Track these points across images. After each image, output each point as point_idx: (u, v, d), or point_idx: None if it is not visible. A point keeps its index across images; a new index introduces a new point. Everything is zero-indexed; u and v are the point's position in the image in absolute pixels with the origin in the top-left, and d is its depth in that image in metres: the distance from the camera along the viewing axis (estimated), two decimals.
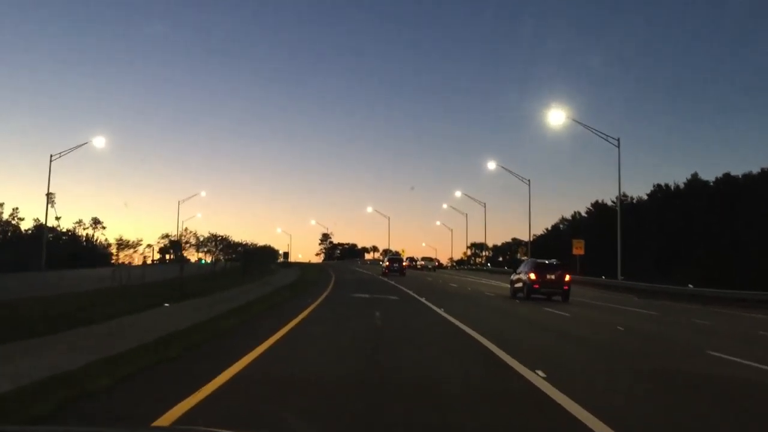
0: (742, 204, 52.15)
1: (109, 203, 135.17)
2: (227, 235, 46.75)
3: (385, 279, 42.74)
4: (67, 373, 6.58)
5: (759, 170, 57.53)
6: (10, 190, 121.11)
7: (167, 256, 71.82)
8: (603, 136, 42.60)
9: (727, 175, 61.04)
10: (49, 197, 48.04)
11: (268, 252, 61.66)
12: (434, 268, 74.06)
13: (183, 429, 5.12)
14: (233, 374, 7.16)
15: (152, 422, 5.01)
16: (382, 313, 16.22)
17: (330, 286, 30.13)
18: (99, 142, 48.24)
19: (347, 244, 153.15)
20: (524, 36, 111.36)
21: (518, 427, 5.62)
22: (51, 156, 45.95)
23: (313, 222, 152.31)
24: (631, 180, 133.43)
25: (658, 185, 68.79)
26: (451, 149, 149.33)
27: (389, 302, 20.93)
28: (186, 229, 26.53)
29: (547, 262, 26.54)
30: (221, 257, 48.07)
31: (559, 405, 6.11)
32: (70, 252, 62.56)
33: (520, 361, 8.59)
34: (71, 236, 79.74)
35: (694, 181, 64.44)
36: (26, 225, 70.75)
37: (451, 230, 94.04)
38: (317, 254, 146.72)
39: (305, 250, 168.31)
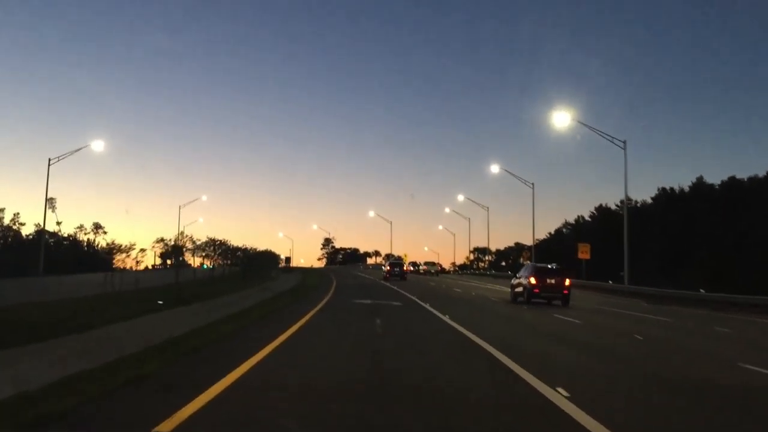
0: (747, 207, 51.51)
1: (110, 208, 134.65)
2: (226, 239, 46.11)
3: (387, 284, 42.03)
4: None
5: (765, 173, 56.91)
6: (11, 196, 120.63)
7: (168, 261, 71.30)
8: (609, 138, 41.95)
9: (732, 179, 60.37)
10: (50, 202, 47.62)
11: (269, 257, 61.03)
12: (437, 273, 73.32)
13: None
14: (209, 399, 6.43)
15: None
16: (383, 320, 15.43)
17: (331, 292, 29.38)
18: (98, 145, 47.75)
19: (349, 248, 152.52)
20: (527, 38, 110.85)
21: None
22: (49, 160, 45.48)
23: (315, 227, 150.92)
24: (636, 184, 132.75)
25: (663, 189, 68.20)
26: (454, 153, 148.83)
27: (392, 308, 20.16)
28: (182, 233, 26.03)
29: (548, 266, 26.56)
30: (221, 262, 47.43)
31: None
32: (70, 257, 62.22)
33: (538, 377, 7.80)
34: (72, 241, 79.38)
35: (699, 185, 63.75)
36: (28, 230, 70.32)
37: (454, 235, 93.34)
38: (319, 259, 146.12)
39: (307, 255, 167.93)
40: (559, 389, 7.09)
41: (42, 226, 50.51)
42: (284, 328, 12.51)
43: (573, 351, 11.38)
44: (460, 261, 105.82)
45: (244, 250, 48.08)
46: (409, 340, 11.96)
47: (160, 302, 15.63)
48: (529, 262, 46.66)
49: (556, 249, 68.97)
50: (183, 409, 5.60)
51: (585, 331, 15.45)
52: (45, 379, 6.48)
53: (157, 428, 4.97)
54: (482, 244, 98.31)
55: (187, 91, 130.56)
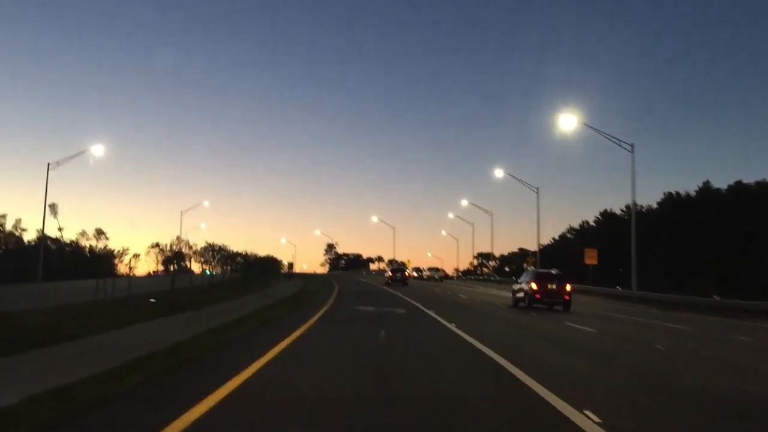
0: (754, 212, 50.76)
1: (113, 213, 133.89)
2: (225, 244, 45.19)
3: (390, 290, 41.22)
4: None
5: None
6: (14, 202, 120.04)
7: (171, 267, 70.51)
8: (616, 141, 41.18)
9: (739, 183, 59.53)
10: (52, 208, 47.02)
11: (270, 262, 60.18)
12: (441, 279, 72.49)
13: None
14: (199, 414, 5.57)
15: None
16: (387, 330, 14.51)
17: (332, 298, 28.50)
18: (98, 150, 47.36)
19: (352, 254, 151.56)
20: (533, 42, 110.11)
21: None
22: (48, 165, 44.84)
23: (317, 232, 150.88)
24: (641, 188, 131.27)
25: (669, 193, 67.40)
26: (458, 158, 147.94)
27: (395, 317, 19.24)
28: (178, 238, 25.31)
29: (551, 271, 27.17)
30: (220, 268, 46.62)
31: None
32: (72, 263, 61.69)
33: (561, 396, 6.88)
34: (74, 247, 78.81)
35: (706, 189, 62.93)
36: (30, 236, 69.82)
37: (457, 240, 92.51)
38: (322, 265, 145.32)
39: (310, 261, 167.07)
40: (587, 412, 6.22)
41: (42, 231, 49.82)
42: (280, 339, 11.61)
43: (594, 364, 10.46)
44: (463, 267, 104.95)
45: (245, 256, 47.24)
46: (416, 355, 10.98)
47: (152, 300, 14.70)
48: (532, 267, 46.28)
49: (560, 254, 68.16)
50: None
51: (602, 342, 14.54)
52: None
53: None
54: (486, 249, 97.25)
55: (189, 96, 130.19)
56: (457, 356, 10.94)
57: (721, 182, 69.71)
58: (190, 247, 39.40)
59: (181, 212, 70.22)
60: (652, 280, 44.78)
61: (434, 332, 14.90)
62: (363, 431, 5.56)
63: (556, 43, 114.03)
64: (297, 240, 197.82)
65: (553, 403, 6.70)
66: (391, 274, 53.80)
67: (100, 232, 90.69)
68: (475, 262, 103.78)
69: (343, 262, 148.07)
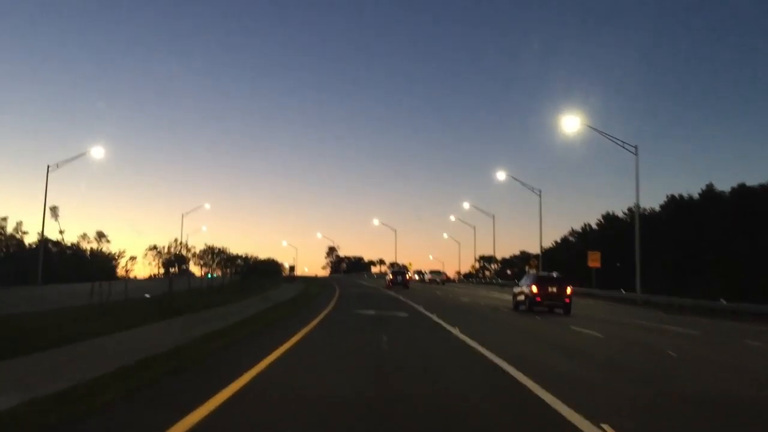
0: (757, 215, 50.31)
1: (115, 216, 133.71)
2: (225, 247, 44.80)
3: (391, 293, 40.77)
4: None
5: None
6: (16, 205, 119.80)
7: (172, 270, 70.28)
8: (620, 143, 40.84)
9: (742, 186, 59.05)
10: (53, 211, 46.70)
11: (271, 265, 59.84)
12: (443, 282, 72.01)
13: None
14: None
15: None
16: (389, 336, 14.02)
17: (333, 302, 28.02)
18: (97, 152, 47.02)
19: (354, 257, 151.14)
20: (535, 44, 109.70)
21: None
22: (48, 167, 44.50)
23: (319, 235, 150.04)
24: (643, 191, 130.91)
25: (672, 196, 66.97)
26: (460, 160, 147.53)
27: (397, 321, 18.73)
28: (176, 240, 24.84)
29: (549, 275, 27.42)
30: (220, 271, 46.25)
31: None
32: (72, 266, 61.43)
33: (576, 409, 6.42)
34: (75, 250, 78.62)
35: (709, 192, 62.47)
36: (31, 239, 69.60)
37: (459, 243, 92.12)
38: (323, 267, 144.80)
39: (311, 264, 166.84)
40: (604, 426, 5.78)
41: (42, 234, 49.51)
42: (277, 345, 11.10)
43: (606, 373, 9.92)
44: (465, 269, 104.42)
45: (245, 259, 46.84)
46: (420, 361, 10.51)
47: (147, 295, 14.18)
48: (534, 271, 46.28)
49: (562, 258, 67.65)
50: None
51: (612, 348, 14.04)
52: None
53: None
54: (487, 252, 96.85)
55: (191, 98, 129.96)
56: (465, 366, 10.47)
57: (724, 185, 69.26)
58: (188, 250, 38.95)
59: (182, 215, 69.85)
60: (654, 282, 44.36)
61: (440, 337, 14.43)
62: None
63: (559, 46, 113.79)
64: (298, 243, 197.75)
65: (566, 416, 6.23)
66: (392, 277, 54.02)
67: (101, 235, 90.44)
68: (477, 265, 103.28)
69: (345, 265, 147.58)
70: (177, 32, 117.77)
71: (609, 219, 74.08)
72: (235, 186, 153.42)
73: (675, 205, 65.24)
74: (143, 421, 5.64)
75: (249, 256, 50.36)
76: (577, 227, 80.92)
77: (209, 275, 46.70)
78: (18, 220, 77.96)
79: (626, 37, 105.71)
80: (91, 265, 68.05)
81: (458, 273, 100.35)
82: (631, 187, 41.88)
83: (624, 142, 40.82)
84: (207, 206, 77.23)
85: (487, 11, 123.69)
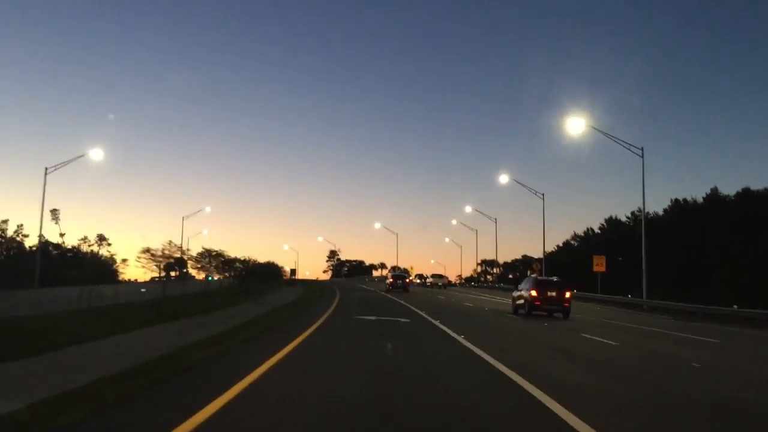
0: (762, 218, 49.73)
1: (116, 219, 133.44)
2: (223, 250, 43.93)
3: (392, 297, 40.14)
4: None
5: None
6: (16, 207, 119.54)
7: (172, 273, 69.67)
8: (626, 145, 40.32)
9: (746, 190, 58.47)
10: (54, 213, 46.16)
11: (271, 269, 59.21)
12: (445, 286, 71.33)
13: None
14: None
15: None
16: (393, 343, 13.34)
17: (332, 307, 27.35)
18: (96, 154, 46.53)
19: (355, 261, 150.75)
20: (540, 47, 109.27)
21: None
22: (46, 169, 43.98)
23: (320, 239, 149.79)
24: (648, 195, 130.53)
25: (676, 200, 66.65)
26: (462, 163, 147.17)
27: (399, 327, 18.00)
28: (170, 242, 24.23)
29: (549, 279, 27.68)
30: (218, 274, 45.63)
31: None
32: (72, 269, 61.07)
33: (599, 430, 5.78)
34: (75, 253, 78.20)
35: (714, 196, 61.95)
36: (32, 241, 69.35)
37: (461, 247, 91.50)
38: (325, 271, 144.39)
39: (313, 267, 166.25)
40: None
41: (40, 236, 49.03)
42: (272, 353, 10.44)
43: (632, 388, 8.92)
44: (467, 273, 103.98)
45: (243, 262, 46.17)
46: (425, 374, 9.88)
47: (143, 289, 13.55)
48: (536, 275, 46.02)
49: (564, 261, 67.05)
50: None
51: (629, 357, 13.29)
52: None
53: None
54: (489, 256, 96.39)
55: (192, 101, 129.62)
56: (474, 377, 9.79)
57: (729, 189, 68.65)
58: (184, 252, 38.26)
59: (183, 218, 69.44)
60: (658, 287, 43.74)
61: (446, 347, 13.74)
62: None
63: (564, 49, 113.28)
64: (300, 246, 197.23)
65: None
66: (392, 280, 54.76)
67: (102, 238, 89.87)
68: (479, 269, 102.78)
69: (346, 268, 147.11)
70: (178, 35, 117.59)
71: (612, 223, 73.70)
72: (237, 189, 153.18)
73: (679, 209, 64.73)
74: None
75: (248, 259, 49.62)
76: (580, 231, 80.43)
77: (209, 278, 46.08)
78: (19, 222, 77.55)
79: (631, 41, 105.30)
80: (91, 268, 67.55)
81: (460, 277, 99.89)
82: (634, 191, 41.77)
83: (630, 144, 40.33)
84: (208, 209, 76.91)
85: (492, 14, 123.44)
